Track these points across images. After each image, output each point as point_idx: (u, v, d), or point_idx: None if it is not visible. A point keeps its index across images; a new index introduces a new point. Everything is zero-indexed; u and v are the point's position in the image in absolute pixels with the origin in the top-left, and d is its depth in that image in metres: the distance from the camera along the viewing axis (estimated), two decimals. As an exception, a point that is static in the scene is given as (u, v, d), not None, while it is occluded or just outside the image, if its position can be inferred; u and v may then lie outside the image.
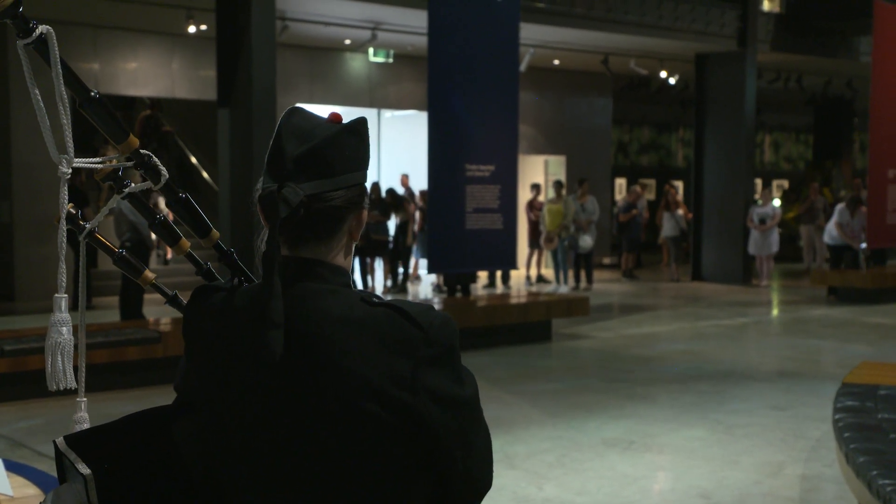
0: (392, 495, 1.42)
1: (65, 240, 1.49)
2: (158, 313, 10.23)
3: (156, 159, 1.54)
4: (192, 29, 13.39)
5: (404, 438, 1.40)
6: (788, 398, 7.65)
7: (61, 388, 1.50)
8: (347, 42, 15.42)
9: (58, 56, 1.35)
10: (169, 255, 14.53)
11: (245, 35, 10.42)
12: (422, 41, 12.51)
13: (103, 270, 12.58)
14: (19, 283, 13.04)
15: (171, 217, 1.94)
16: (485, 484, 1.51)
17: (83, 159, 1.50)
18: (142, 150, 1.51)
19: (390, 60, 16.17)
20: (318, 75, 16.24)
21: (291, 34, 14.02)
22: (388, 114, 18.05)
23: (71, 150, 1.43)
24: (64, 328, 1.48)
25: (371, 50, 15.65)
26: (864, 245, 14.53)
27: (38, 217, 12.95)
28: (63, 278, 1.51)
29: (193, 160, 16.24)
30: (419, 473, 1.44)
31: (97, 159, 1.53)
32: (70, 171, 1.45)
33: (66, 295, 1.50)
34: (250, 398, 1.43)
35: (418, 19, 12.23)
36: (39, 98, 1.38)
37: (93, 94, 1.41)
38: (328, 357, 1.40)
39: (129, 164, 1.52)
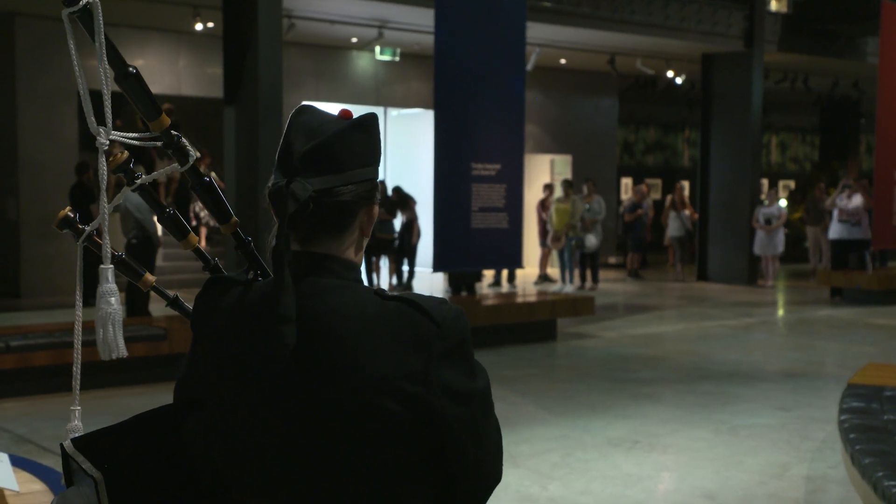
0: (401, 491, 1.42)
1: (107, 211, 1.50)
2: (165, 310, 10.23)
3: (185, 140, 1.52)
4: (198, 26, 13.40)
5: (416, 434, 1.40)
6: (793, 399, 7.64)
7: (114, 357, 1.52)
8: (354, 40, 15.42)
9: (102, 26, 1.35)
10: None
11: (252, 33, 10.42)
12: (428, 40, 12.49)
13: (109, 267, 12.61)
14: (25, 280, 13.09)
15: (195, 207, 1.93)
16: (495, 477, 1.51)
17: (120, 133, 1.49)
18: (172, 131, 1.50)
19: (397, 59, 16.16)
20: (324, 73, 16.24)
21: (298, 32, 14.03)
22: (394, 112, 18.05)
23: (109, 121, 1.43)
24: (112, 298, 1.50)
25: (377, 48, 15.65)
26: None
27: (45, 215, 12.96)
28: (108, 249, 1.52)
29: (199, 157, 16.25)
30: (429, 470, 1.44)
31: (133, 134, 1.51)
32: (108, 142, 1.45)
33: (111, 266, 1.52)
34: (260, 394, 1.43)
35: (425, 18, 12.22)
36: (80, 69, 1.39)
37: (130, 69, 1.41)
38: (341, 353, 1.39)
39: (159, 143, 1.50)
